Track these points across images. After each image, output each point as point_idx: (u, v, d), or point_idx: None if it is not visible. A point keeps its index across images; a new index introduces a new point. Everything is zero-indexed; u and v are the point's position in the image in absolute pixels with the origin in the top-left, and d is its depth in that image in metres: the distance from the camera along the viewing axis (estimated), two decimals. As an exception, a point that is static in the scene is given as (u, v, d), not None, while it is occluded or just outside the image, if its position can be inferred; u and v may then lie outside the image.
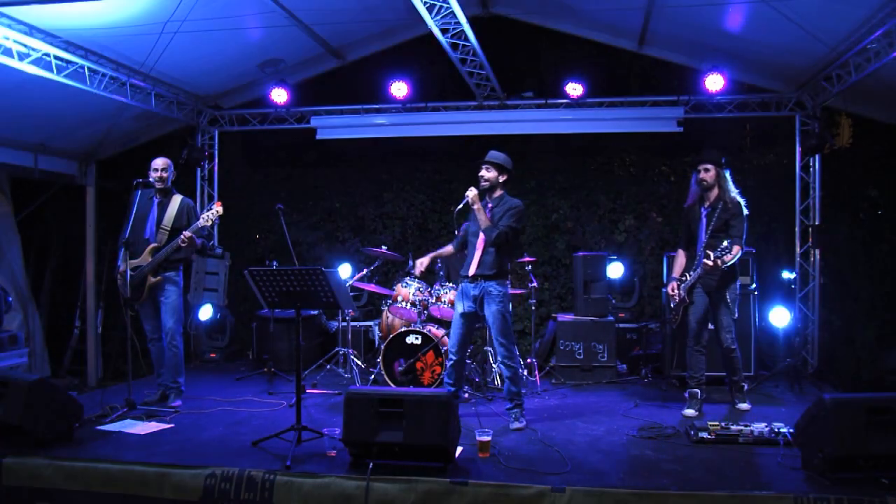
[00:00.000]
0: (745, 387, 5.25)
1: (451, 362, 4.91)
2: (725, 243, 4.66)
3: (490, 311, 4.78)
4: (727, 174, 4.99)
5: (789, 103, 7.04)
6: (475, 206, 4.77)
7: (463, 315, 4.89)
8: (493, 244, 4.75)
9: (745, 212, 4.93)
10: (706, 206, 5.01)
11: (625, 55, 7.38)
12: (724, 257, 4.65)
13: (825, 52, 5.91)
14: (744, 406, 5.13)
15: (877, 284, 7.11)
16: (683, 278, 5.08)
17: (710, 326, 5.11)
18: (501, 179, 4.88)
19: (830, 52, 5.86)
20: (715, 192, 4.97)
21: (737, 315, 5.02)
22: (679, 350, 6.06)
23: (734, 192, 4.97)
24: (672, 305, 5.17)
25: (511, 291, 6.52)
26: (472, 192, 4.74)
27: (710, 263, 4.67)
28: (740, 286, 5.07)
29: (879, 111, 6.74)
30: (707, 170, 4.96)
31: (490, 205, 4.88)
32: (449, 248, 5.21)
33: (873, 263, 7.16)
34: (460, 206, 4.87)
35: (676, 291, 5.08)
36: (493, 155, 4.91)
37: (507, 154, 4.99)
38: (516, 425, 4.75)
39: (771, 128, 7.68)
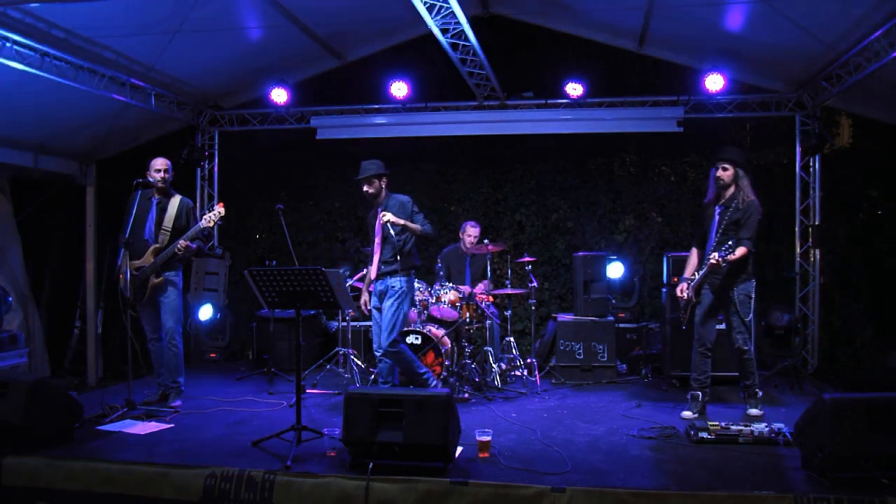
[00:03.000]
0: (760, 394, 5.02)
1: (377, 357, 5.20)
2: (730, 242, 4.64)
3: (385, 304, 5.12)
4: (745, 174, 4.92)
5: (789, 103, 7.04)
6: (401, 223, 5.05)
7: (376, 310, 5.26)
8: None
9: (759, 214, 4.86)
10: (720, 204, 4.96)
11: (625, 55, 7.37)
12: (728, 257, 4.62)
13: (825, 52, 5.91)
14: (755, 412, 4.95)
15: (877, 284, 7.11)
16: (693, 277, 5.02)
17: (721, 326, 5.05)
18: (383, 184, 5.22)
19: (830, 52, 5.86)
20: (731, 191, 4.90)
21: (751, 317, 4.88)
22: (679, 350, 6.07)
23: (751, 193, 4.88)
24: (681, 305, 5.12)
25: (511, 291, 6.55)
26: (386, 217, 5.01)
27: (715, 262, 4.65)
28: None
29: (879, 111, 6.74)
30: (725, 168, 4.89)
31: (381, 207, 5.16)
32: (375, 263, 5.31)
33: (873, 263, 7.16)
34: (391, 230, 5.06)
35: (685, 292, 5.02)
36: (366, 169, 5.21)
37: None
38: None
39: (771, 128, 7.67)
